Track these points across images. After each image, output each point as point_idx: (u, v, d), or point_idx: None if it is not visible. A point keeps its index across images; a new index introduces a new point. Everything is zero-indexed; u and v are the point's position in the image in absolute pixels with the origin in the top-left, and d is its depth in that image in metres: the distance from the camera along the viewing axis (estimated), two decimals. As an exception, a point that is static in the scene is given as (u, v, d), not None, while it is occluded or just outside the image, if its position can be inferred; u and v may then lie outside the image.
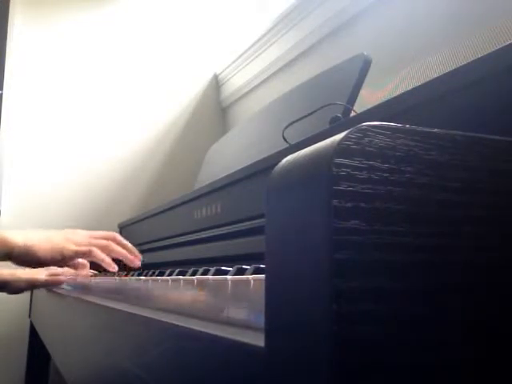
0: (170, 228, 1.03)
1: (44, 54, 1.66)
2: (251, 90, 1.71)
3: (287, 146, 0.62)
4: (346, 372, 0.18)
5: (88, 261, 0.82)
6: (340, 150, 0.20)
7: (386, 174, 0.21)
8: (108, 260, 0.76)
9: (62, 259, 0.74)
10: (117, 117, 1.73)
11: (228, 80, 1.84)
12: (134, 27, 1.79)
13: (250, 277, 0.28)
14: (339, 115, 0.66)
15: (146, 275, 0.66)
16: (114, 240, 0.80)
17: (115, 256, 0.78)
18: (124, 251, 0.79)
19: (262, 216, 0.62)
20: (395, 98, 0.44)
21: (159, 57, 1.81)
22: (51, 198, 1.60)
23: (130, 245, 0.83)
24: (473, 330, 0.21)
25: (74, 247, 0.74)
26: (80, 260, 0.81)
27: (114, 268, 0.77)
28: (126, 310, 0.46)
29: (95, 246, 0.76)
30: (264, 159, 0.64)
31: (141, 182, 1.73)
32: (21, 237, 0.74)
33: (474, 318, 0.21)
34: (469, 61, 0.36)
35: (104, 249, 0.77)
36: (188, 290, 0.37)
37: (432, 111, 0.39)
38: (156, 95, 1.79)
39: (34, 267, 0.79)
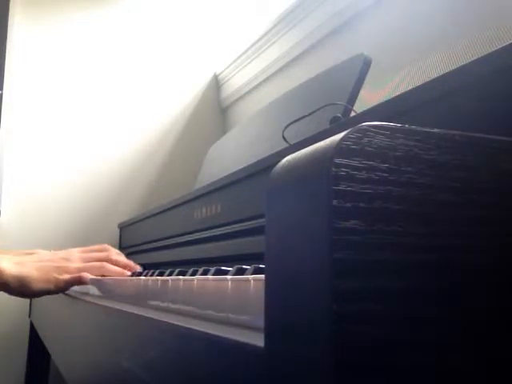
0: (170, 228, 1.03)
1: (44, 53, 1.66)
2: (251, 90, 1.70)
3: (287, 145, 0.62)
4: (346, 372, 0.18)
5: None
6: (340, 149, 0.20)
7: (385, 174, 0.21)
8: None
9: (56, 289, 0.76)
10: (117, 117, 1.73)
11: (228, 80, 1.84)
12: (134, 27, 1.79)
13: (250, 277, 0.28)
14: (339, 115, 0.66)
15: (145, 275, 0.66)
16: (108, 259, 0.81)
17: (111, 275, 0.78)
18: (119, 270, 0.80)
19: (262, 216, 0.62)
20: (395, 98, 0.44)
21: (159, 57, 1.81)
22: (51, 197, 1.60)
23: (124, 260, 0.83)
24: (473, 330, 0.21)
25: (66, 277, 0.75)
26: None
27: None
28: (125, 309, 0.46)
29: (88, 270, 0.77)
30: (264, 159, 0.64)
31: (141, 181, 1.73)
32: (14, 267, 0.74)
33: (474, 317, 0.21)
34: (469, 61, 0.36)
35: (98, 270, 0.78)
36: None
37: (432, 111, 0.39)
38: (156, 95, 1.79)
39: (27, 297, 0.79)
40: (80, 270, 0.76)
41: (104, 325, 0.53)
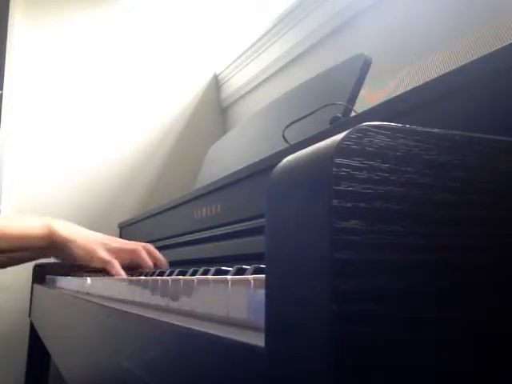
0: (170, 228, 1.03)
1: (44, 53, 1.66)
2: (251, 90, 1.70)
3: (287, 146, 0.62)
4: (346, 372, 0.18)
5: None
6: (340, 149, 0.20)
7: (386, 174, 0.21)
8: (122, 273, 0.79)
9: (90, 261, 0.79)
10: (117, 117, 1.73)
11: (228, 80, 1.84)
12: (134, 27, 1.79)
13: (250, 277, 0.28)
14: (339, 115, 0.66)
15: (146, 275, 0.66)
16: (145, 248, 0.84)
17: (140, 262, 0.81)
18: (149, 262, 0.82)
19: (262, 216, 0.62)
20: (395, 98, 0.44)
21: (159, 57, 1.81)
22: (51, 197, 1.60)
23: (160, 257, 0.86)
24: (473, 330, 0.21)
25: (103, 255, 0.79)
26: None
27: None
28: (126, 310, 0.46)
29: (126, 250, 0.80)
30: (264, 159, 0.64)
31: (141, 181, 1.73)
32: (64, 230, 0.79)
33: (474, 318, 0.21)
34: (469, 61, 0.36)
35: (131, 252, 0.81)
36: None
37: (432, 111, 0.39)
38: (156, 95, 1.79)
39: (63, 261, 0.85)
40: (118, 249, 0.80)
41: (104, 325, 0.53)
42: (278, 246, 0.22)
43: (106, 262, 0.79)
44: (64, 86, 1.67)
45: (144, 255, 0.82)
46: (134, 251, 0.82)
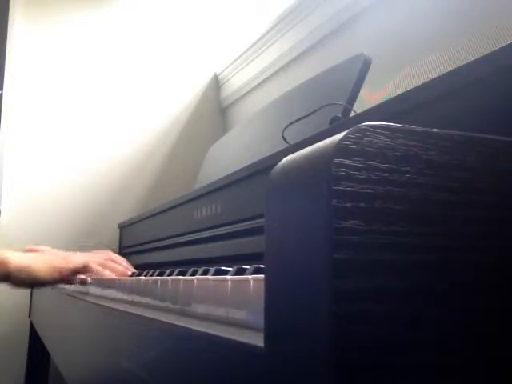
0: (170, 228, 1.03)
1: (44, 53, 1.66)
2: (251, 90, 1.70)
3: (287, 146, 0.62)
4: (346, 372, 0.18)
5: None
6: (339, 149, 0.20)
7: (385, 174, 0.21)
8: (104, 273, 0.76)
9: (61, 278, 0.75)
10: (117, 117, 1.73)
11: (228, 80, 1.84)
12: (134, 27, 1.79)
13: (250, 277, 0.28)
14: (339, 115, 0.66)
15: (146, 275, 0.66)
16: (110, 259, 0.81)
17: (112, 272, 0.79)
18: (121, 268, 0.80)
19: (262, 216, 0.61)
20: (395, 97, 0.44)
21: (159, 57, 1.81)
22: (51, 197, 1.60)
23: (124, 262, 0.84)
24: (473, 330, 0.21)
25: (70, 265, 0.75)
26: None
27: None
28: (125, 310, 0.46)
29: (92, 262, 0.78)
30: (264, 159, 0.64)
31: (141, 181, 1.73)
32: (18, 258, 0.74)
33: (474, 318, 0.21)
34: (469, 61, 0.36)
35: (101, 265, 0.78)
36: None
37: (432, 111, 0.39)
38: (156, 95, 1.79)
39: (32, 288, 0.80)
40: (85, 261, 0.77)
41: (104, 325, 0.53)
42: (277, 246, 0.22)
43: (81, 268, 0.75)
44: (64, 85, 1.67)
45: (113, 265, 0.79)
46: (102, 263, 0.78)
